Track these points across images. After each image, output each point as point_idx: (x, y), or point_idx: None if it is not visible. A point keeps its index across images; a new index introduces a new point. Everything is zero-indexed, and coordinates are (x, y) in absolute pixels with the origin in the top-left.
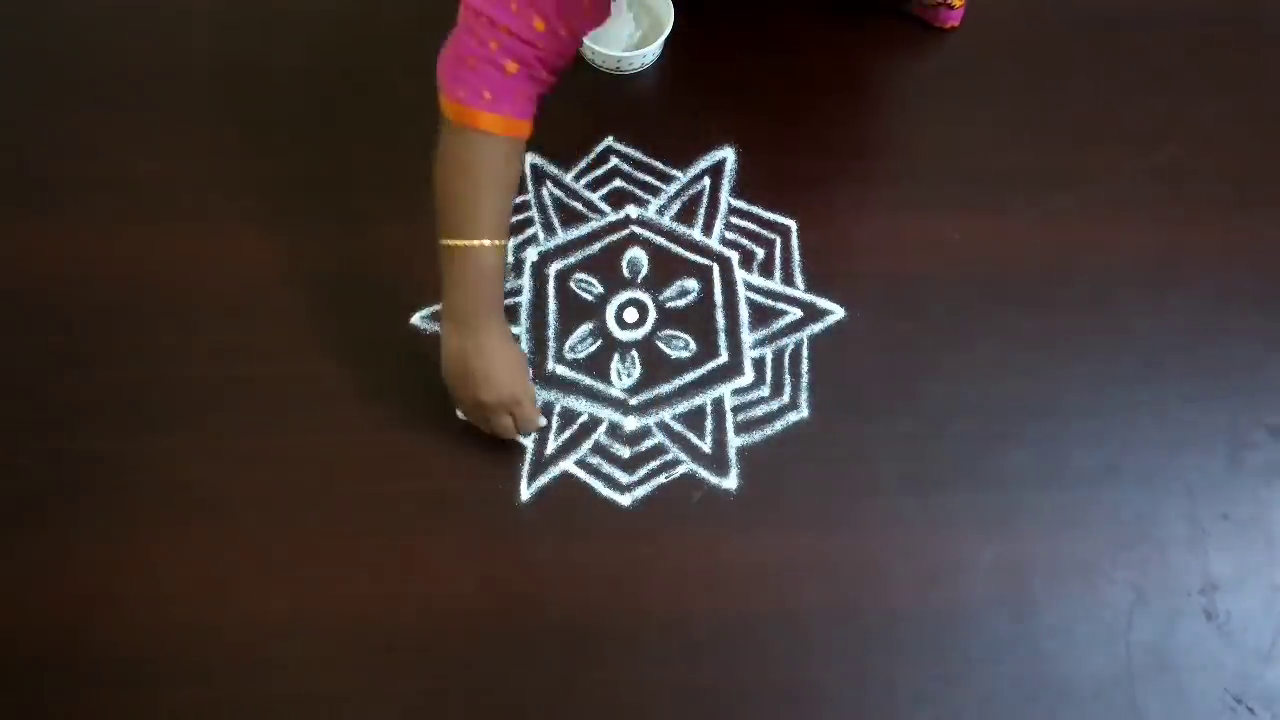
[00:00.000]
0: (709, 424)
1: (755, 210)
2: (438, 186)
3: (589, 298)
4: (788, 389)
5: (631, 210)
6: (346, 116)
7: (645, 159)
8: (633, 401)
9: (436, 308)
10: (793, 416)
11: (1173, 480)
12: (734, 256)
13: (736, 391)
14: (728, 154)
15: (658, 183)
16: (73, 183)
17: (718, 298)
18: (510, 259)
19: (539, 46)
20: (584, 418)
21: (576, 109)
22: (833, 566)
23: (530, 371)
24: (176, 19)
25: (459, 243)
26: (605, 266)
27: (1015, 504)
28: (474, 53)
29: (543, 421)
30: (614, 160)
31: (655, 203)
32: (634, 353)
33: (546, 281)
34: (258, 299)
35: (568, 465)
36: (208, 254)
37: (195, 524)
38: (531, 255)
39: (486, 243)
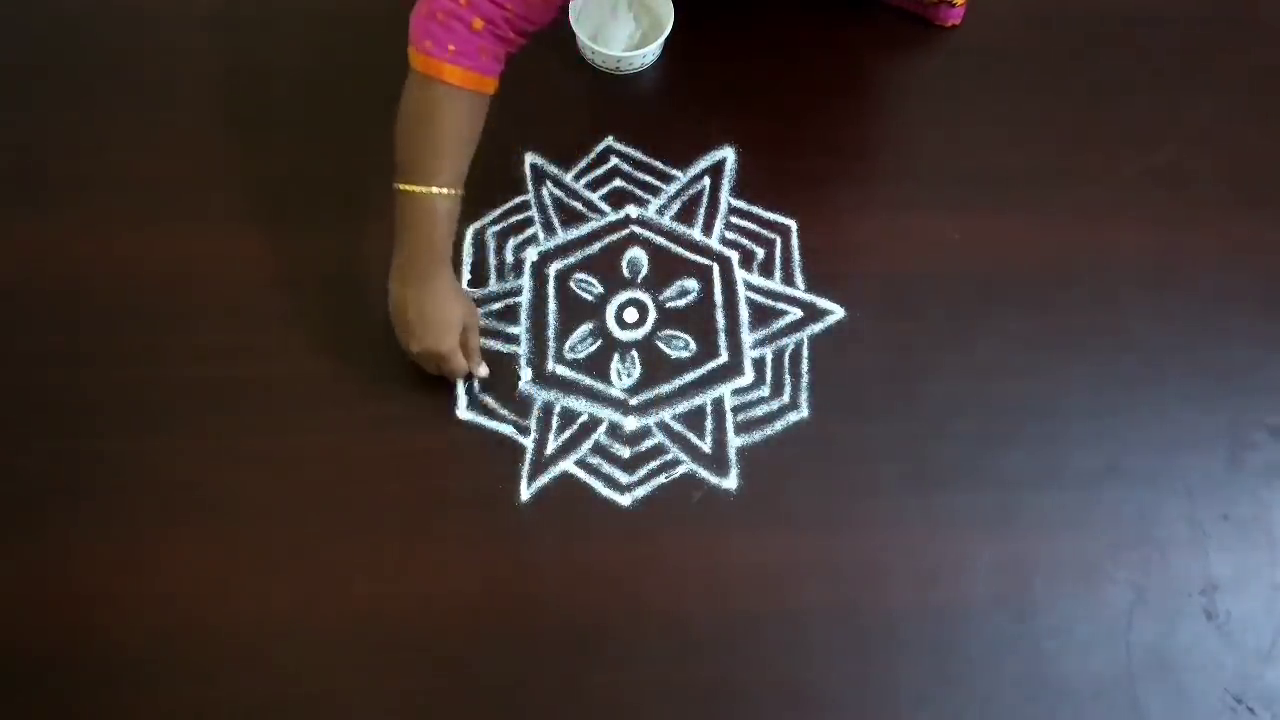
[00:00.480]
0: (709, 424)
1: (755, 210)
2: (398, 133)
3: (589, 298)
4: (788, 389)
5: (631, 210)
6: (346, 116)
7: (645, 159)
8: (633, 401)
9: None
10: (793, 416)
11: (1173, 480)
12: (734, 256)
13: (736, 391)
14: (728, 154)
15: (658, 183)
16: (73, 183)
17: (718, 298)
18: (510, 259)
19: (507, 8)
20: (584, 418)
21: (576, 109)
22: (833, 566)
23: (522, 357)
24: (176, 19)
25: (413, 188)
26: (605, 266)
27: (1015, 504)
28: (443, 7)
29: (481, 371)
30: (614, 160)
31: (655, 203)
32: (634, 353)
33: (546, 281)
34: (258, 299)
35: (568, 465)
36: (208, 254)
37: (195, 524)
38: (531, 255)
39: (438, 190)
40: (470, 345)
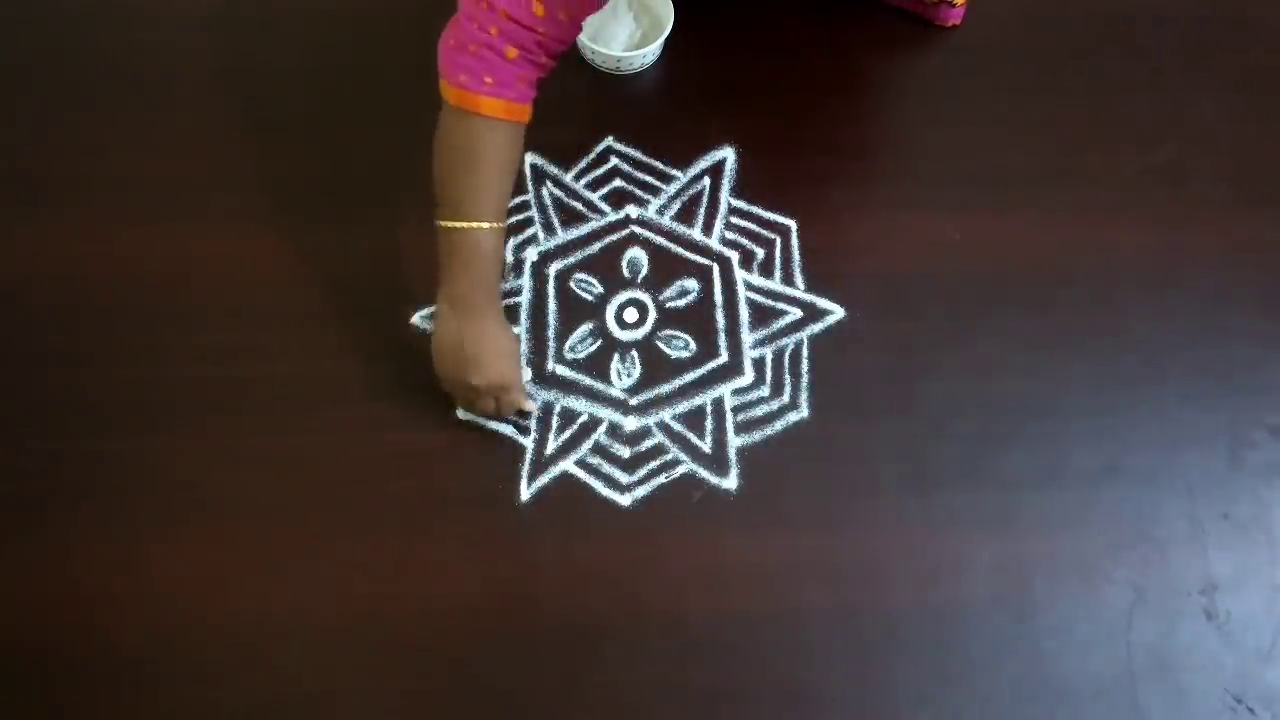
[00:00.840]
0: (709, 424)
1: (755, 210)
2: (438, 169)
3: (589, 298)
4: (788, 389)
5: (631, 210)
6: (347, 116)
7: (645, 159)
8: (633, 401)
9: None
10: (793, 416)
11: (1173, 480)
12: (734, 256)
13: (736, 391)
14: (728, 154)
15: (658, 183)
16: (73, 183)
17: (718, 298)
18: (510, 259)
19: (539, 31)
20: (584, 418)
21: (576, 109)
22: (833, 566)
23: (523, 358)
24: (177, 18)
25: (458, 225)
26: (605, 266)
27: (1015, 504)
28: (475, 38)
29: (531, 406)
30: (614, 160)
31: (655, 203)
32: (634, 353)
33: (546, 281)
34: (258, 299)
35: (568, 465)
36: (208, 254)
37: (195, 524)
38: (531, 255)
39: (486, 225)
40: (519, 381)
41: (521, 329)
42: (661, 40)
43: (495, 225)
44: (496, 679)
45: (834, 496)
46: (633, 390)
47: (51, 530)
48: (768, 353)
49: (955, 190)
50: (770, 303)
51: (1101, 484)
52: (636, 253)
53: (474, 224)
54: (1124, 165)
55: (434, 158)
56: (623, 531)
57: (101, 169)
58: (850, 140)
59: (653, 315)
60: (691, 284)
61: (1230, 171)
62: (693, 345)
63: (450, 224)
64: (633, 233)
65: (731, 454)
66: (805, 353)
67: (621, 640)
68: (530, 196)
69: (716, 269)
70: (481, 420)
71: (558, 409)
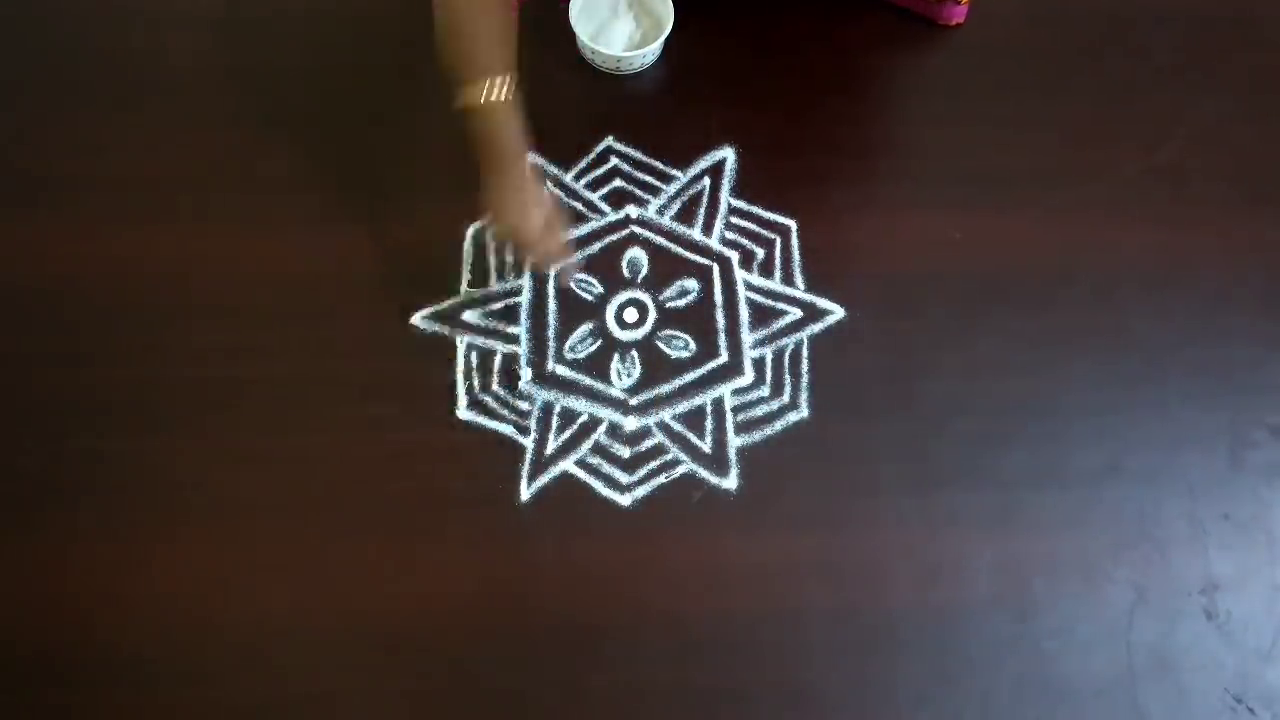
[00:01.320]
0: (709, 424)
1: (755, 210)
2: (442, 36)
3: (589, 298)
4: (788, 389)
5: (631, 210)
6: (347, 116)
7: (645, 159)
8: (633, 401)
9: (437, 307)
10: (793, 416)
11: (1173, 480)
12: (734, 256)
13: (736, 391)
14: (728, 154)
15: (658, 183)
16: (73, 183)
17: (718, 298)
18: (510, 259)
19: None
20: (584, 418)
21: (576, 109)
22: (833, 566)
23: (523, 358)
24: (176, 19)
25: (469, 98)
26: (605, 266)
27: (1015, 504)
28: None
29: (573, 259)
30: (614, 160)
31: (655, 203)
32: (634, 353)
33: (546, 281)
34: (258, 299)
35: (568, 465)
36: (208, 254)
37: (195, 524)
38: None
39: (487, 86)
40: (532, 235)
41: (521, 329)
42: (661, 40)
43: (500, 82)
44: (496, 679)
45: (834, 496)
46: (633, 390)
47: (51, 530)
48: (768, 353)
49: (956, 190)
50: (770, 303)
51: (1102, 484)
52: (636, 253)
53: (478, 90)
54: (1126, 165)
55: (437, 31)
56: (623, 531)
57: (101, 169)
58: (850, 140)
59: (653, 315)
60: (691, 284)
61: (1232, 171)
62: (693, 345)
63: (468, 86)
64: (633, 233)
65: (731, 454)
66: (805, 353)
67: (621, 640)
68: None
69: (716, 269)
70: (481, 420)
71: (558, 409)
